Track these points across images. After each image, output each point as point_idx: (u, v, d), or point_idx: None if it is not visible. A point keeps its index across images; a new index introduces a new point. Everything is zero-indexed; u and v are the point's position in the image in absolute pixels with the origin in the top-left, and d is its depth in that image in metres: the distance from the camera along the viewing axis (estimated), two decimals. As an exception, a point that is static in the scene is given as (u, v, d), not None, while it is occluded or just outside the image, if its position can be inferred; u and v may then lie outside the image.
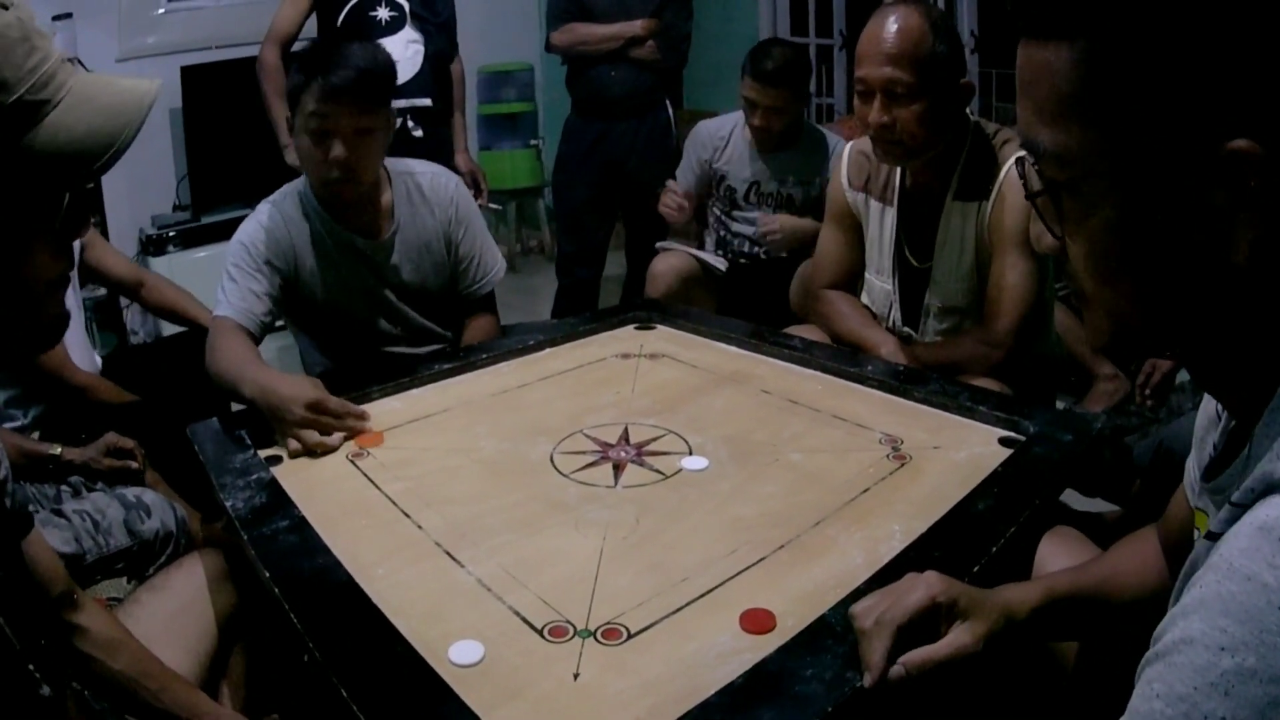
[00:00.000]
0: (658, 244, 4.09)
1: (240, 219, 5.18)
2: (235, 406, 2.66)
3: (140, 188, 5.30)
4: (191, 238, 5.26)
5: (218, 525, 2.42)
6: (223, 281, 2.48)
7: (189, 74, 5.18)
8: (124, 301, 4.54)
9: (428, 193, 2.73)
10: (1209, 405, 1.15)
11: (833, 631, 1.35)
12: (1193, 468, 1.23)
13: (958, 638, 1.26)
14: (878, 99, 2.34)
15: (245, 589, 1.82)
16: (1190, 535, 1.20)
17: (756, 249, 4.01)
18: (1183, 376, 3.09)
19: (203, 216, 5.37)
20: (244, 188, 5.30)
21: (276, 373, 2.22)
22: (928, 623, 1.27)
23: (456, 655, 1.33)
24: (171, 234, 5.20)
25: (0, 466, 1.34)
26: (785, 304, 3.86)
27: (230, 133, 5.16)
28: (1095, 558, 1.49)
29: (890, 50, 2.30)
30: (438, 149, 3.88)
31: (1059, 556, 1.67)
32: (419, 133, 3.92)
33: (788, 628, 1.39)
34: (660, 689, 1.28)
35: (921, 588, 1.28)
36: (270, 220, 2.55)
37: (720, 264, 3.93)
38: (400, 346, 2.76)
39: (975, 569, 1.49)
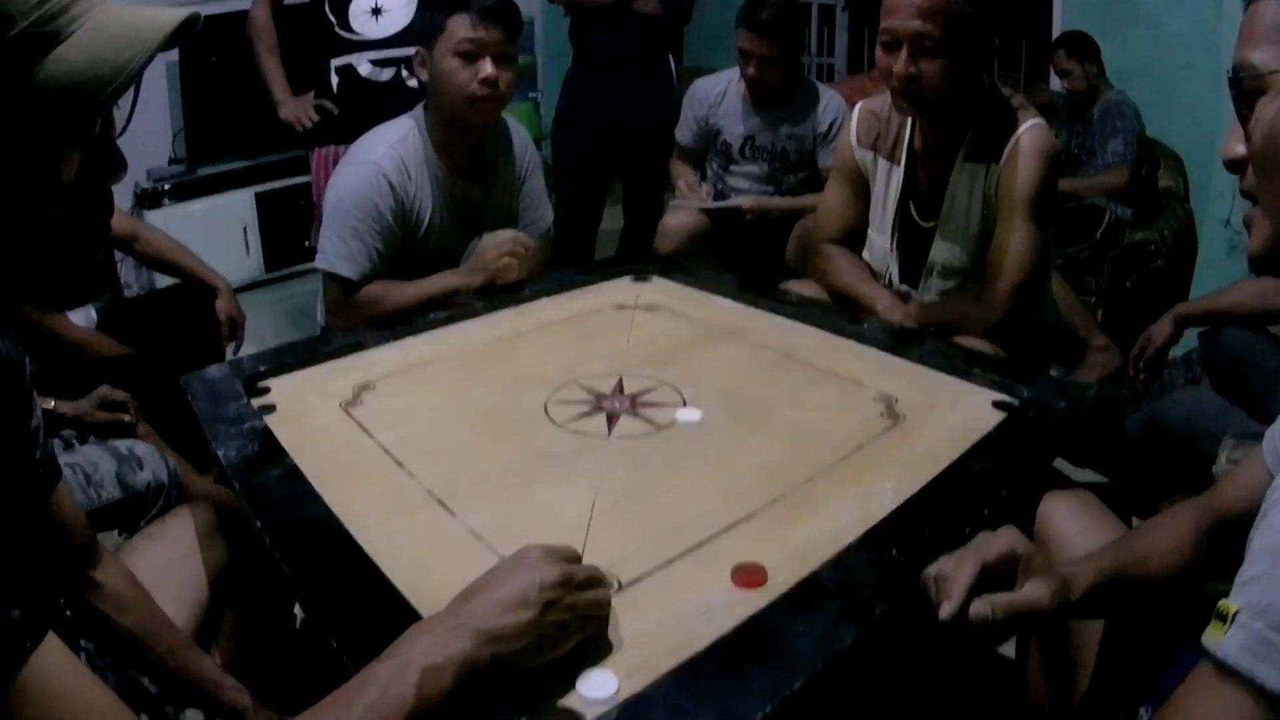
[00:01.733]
0: (671, 203, 4.07)
1: (237, 171, 5.23)
2: (229, 356, 2.68)
3: (136, 142, 5.16)
4: (187, 191, 5.22)
5: (210, 476, 2.43)
6: (343, 235, 2.64)
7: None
8: (118, 256, 4.52)
9: (512, 140, 2.94)
10: None
11: (824, 589, 1.35)
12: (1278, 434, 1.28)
13: (1036, 590, 1.28)
14: (904, 50, 2.32)
15: (235, 543, 1.81)
16: (1249, 510, 1.23)
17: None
18: (1175, 353, 3.08)
19: (199, 169, 5.34)
20: (240, 140, 5.31)
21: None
22: (1005, 574, 1.29)
23: (589, 690, 1.22)
24: (166, 188, 5.15)
25: (33, 416, 1.32)
26: (783, 259, 3.88)
27: (227, 85, 5.12)
28: (1130, 535, 1.48)
29: (921, 3, 2.28)
30: None
31: (1067, 518, 1.65)
32: (414, 83, 3.80)
33: (778, 583, 1.39)
34: (651, 642, 1.28)
35: (1003, 537, 1.31)
36: (392, 164, 2.66)
37: (739, 201, 3.91)
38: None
39: (968, 530, 1.48)
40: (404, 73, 3.81)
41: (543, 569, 1.22)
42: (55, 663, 0.95)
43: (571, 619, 1.22)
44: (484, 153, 2.84)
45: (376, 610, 1.33)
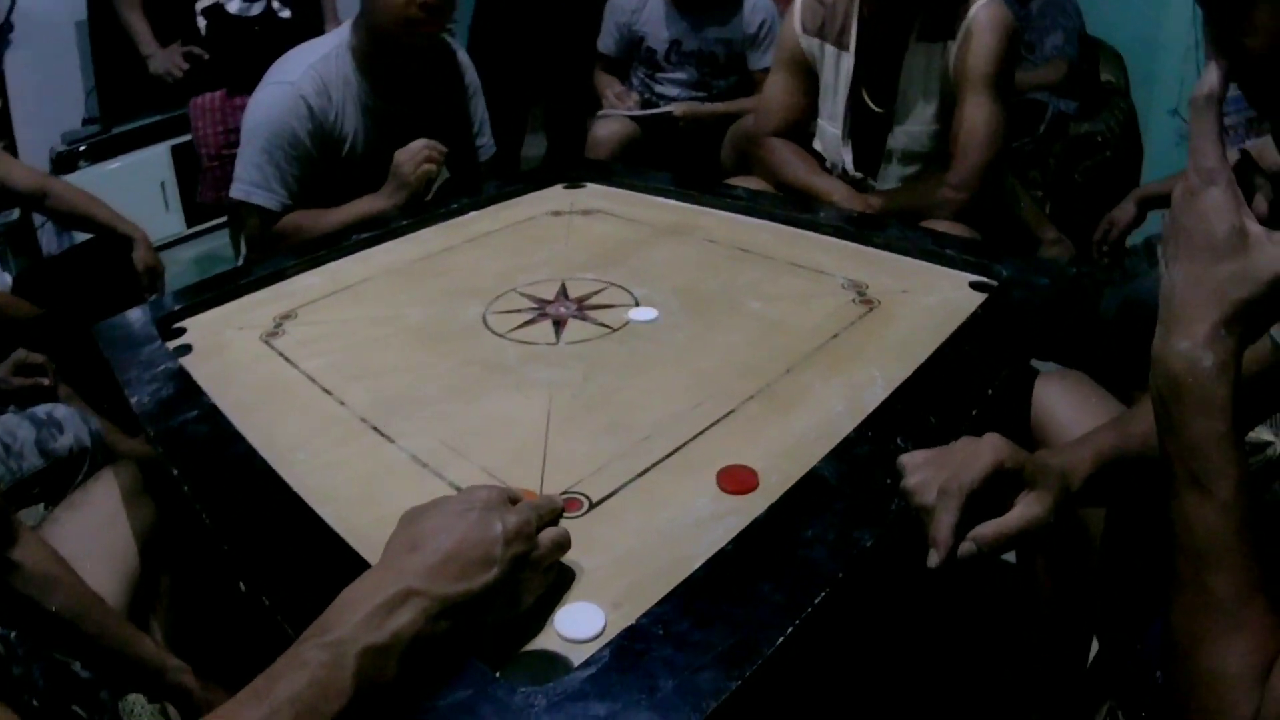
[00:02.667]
0: (600, 111, 3.96)
1: (152, 125, 5.03)
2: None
3: (49, 105, 5.06)
4: (103, 150, 5.03)
5: (141, 438, 2.27)
6: (258, 161, 2.50)
7: (93, -16, 4.91)
8: (37, 221, 4.33)
9: (452, 62, 2.82)
10: None
11: (828, 487, 1.20)
12: None
13: (1029, 509, 1.11)
14: None
15: (165, 502, 1.67)
16: (1251, 380, 1.13)
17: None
18: (1134, 239, 3.03)
19: (114, 128, 5.13)
20: (154, 94, 5.09)
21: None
22: (993, 492, 1.11)
23: (570, 628, 1.03)
24: (83, 149, 4.97)
25: None
26: (718, 164, 3.80)
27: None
28: (1129, 414, 1.34)
29: None
30: (311, 31, 3.54)
31: (1062, 400, 1.55)
32: (286, 14, 3.72)
33: (772, 485, 1.25)
34: (636, 565, 1.12)
35: (987, 452, 1.12)
36: (311, 86, 2.51)
37: (670, 107, 3.82)
38: None
39: (974, 413, 1.37)
40: (274, 4, 3.71)
41: (504, 514, 1.01)
42: None
43: (536, 574, 1.04)
44: (417, 74, 2.67)
45: (311, 557, 1.16)
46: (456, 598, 0.94)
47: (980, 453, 1.11)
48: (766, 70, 3.27)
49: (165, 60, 3.85)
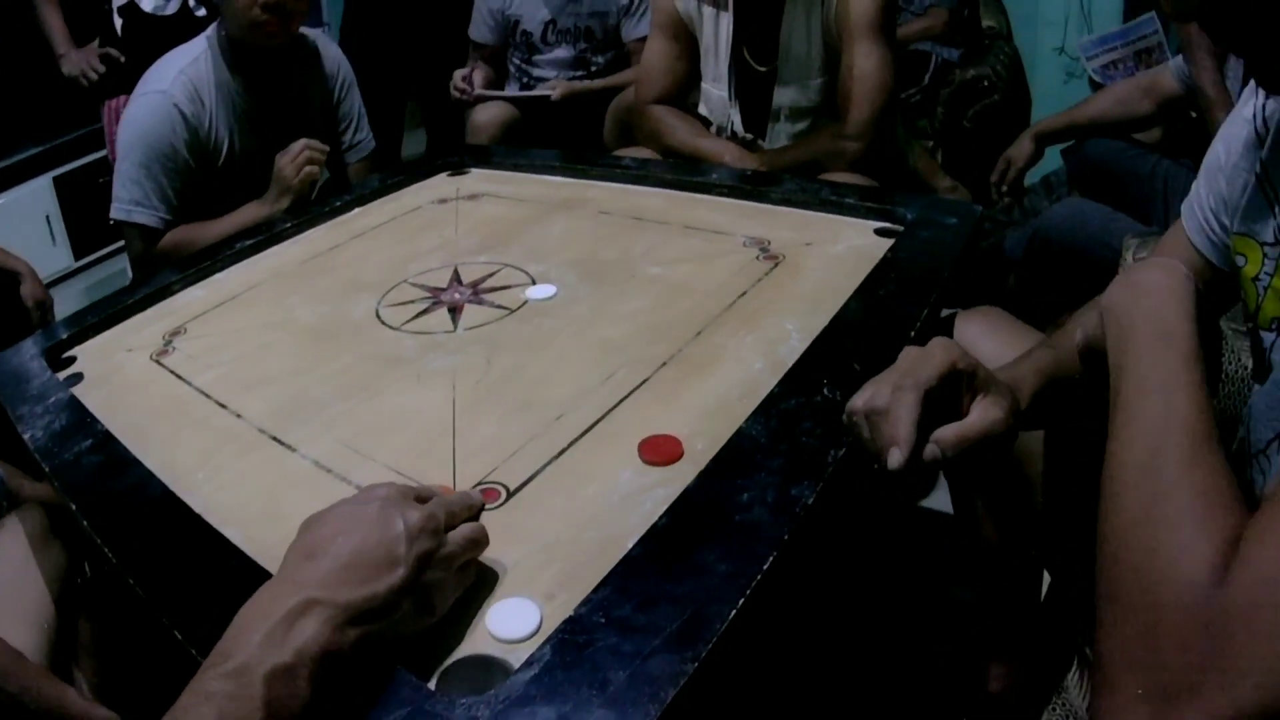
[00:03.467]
0: (476, 93, 3.88)
1: (32, 158, 4.82)
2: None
3: None
4: (-15, 190, 4.87)
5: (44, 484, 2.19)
6: (136, 177, 2.44)
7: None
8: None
9: (319, 57, 2.75)
10: (1242, 131, 1.10)
11: (759, 445, 1.15)
12: (1204, 200, 1.20)
13: (988, 413, 1.05)
14: None
15: (74, 544, 1.60)
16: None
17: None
18: (1032, 179, 3.08)
19: (-6, 165, 5.00)
20: (32, 123, 4.92)
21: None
22: (947, 395, 1.06)
23: (504, 627, 0.96)
24: (-37, 190, 4.77)
25: None
26: (600, 141, 3.76)
27: (11, 68, 4.74)
28: (1062, 331, 1.31)
29: None
30: None
31: (983, 337, 1.51)
32: (202, 12, 3.58)
33: (699, 451, 1.19)
34: (566, 551, 1.05)
35: (939, 353, 1.06)
36: (183, 91, 2.46)
37: (547, 91, 3.78)
38: None
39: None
40: (190, 2, 3.59)
41: (405, 510, 0.93)
42: None
43: (449, 573, 0.96)
44: (287, 71, 2.62)
45: (220, 582, 1.07)
46: (361, 603, 0.86)
47: (931, 353, 1.06)
48: (642, 40, 3.23)
49: (80, 61, 3.74)
